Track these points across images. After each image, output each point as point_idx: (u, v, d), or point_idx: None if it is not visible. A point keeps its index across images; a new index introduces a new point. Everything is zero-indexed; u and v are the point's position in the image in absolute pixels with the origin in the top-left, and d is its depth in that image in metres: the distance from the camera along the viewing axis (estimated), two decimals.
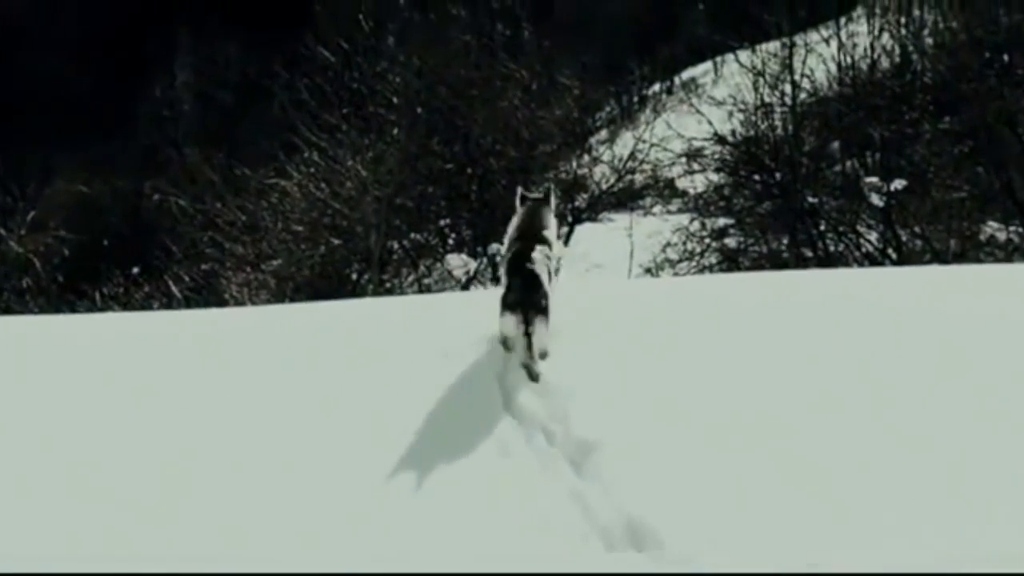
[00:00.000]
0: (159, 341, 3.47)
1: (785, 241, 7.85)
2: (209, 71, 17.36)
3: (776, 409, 2.33)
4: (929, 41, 10.69)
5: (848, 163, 8.90)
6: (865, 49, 9.73)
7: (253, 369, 2.98)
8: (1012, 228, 7.44)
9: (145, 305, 8.07)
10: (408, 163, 6.96)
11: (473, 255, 7.27)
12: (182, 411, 2.66)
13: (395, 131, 7.03)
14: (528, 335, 2.60)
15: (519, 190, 3.28)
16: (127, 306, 7.98)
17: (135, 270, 8.98)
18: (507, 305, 2.67)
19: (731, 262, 7.57)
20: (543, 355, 2.69)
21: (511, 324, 2.65)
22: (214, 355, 3.20)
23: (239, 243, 6.95)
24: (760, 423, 2.27)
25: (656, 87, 14.80)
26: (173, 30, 18.60)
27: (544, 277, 2.78)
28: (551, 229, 3.11)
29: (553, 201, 3.20)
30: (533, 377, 2.63)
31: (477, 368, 2.72)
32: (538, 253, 2.85)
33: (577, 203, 8.64)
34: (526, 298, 2.65)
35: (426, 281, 6.53)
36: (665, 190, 9.07)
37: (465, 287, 6.21)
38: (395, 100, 7.67)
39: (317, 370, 2.84)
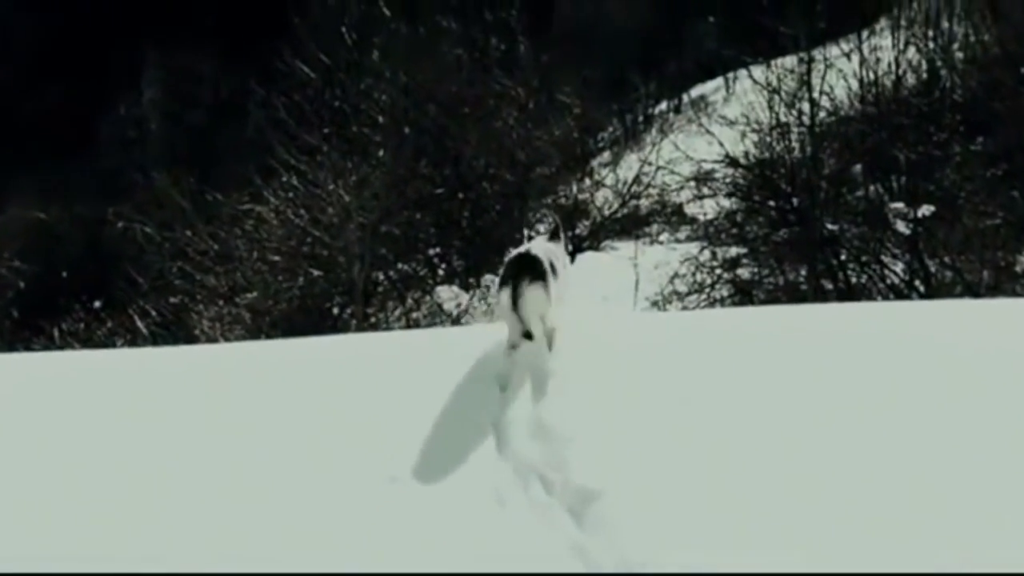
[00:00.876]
0: (123, 381, 3.46)
1: (803, 272, 7.84)
2: (179, 88, 17.41)
3: (792, 457, 2.34)
4: (959, 55, 10.74)
5: (871, 188, 8.89)
6: (889, 64, 9.76)
7: (226, 411, 2.97)
8: None
9: (108, 342, 8.01)
10: (395, 187, 6.97)
11: (465, 287, 7.27)
12: (146, 457, 2.66)
13: (380, 153, 7.06)
14: (516, 305, 2.74)
15: (526, 233, 3.38)
16: (88, 343, 7.92)
17: (97, 304, 8.94)
18: (502, 281, 2.82)
19: (744, 295, 7.53)
20: (550, 336, 2.85)
21: (504, 298, 2.78)
22: (182, 396, 3.19)
23: (211, 274, 6.93)
24: (774, 472, 2.28)
25: (663, 105, 14.90)
26: (139, 43, 18.60)
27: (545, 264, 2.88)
28: (559, 264, 3.22)
29: (563, 237, 3.31)
30: (529, 337, 2.82)
31: (470, 410, 2.73)
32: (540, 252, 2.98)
33: (578, 230, 8.67)
34: (520, 271, 2.79)
35: (414, 315, 6.50)
36: (673, 217, 9.06)
37: (456, 321, 6.21)
38: (380, 119, 7.71)
39: (295, 413, 2.84)
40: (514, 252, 3.18)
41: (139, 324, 7.34)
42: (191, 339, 5.99)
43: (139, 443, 2.75)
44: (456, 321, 6.17)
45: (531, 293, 2.76)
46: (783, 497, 2.21)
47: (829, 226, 8.40)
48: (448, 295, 6.74)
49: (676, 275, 7.13)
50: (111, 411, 3.10)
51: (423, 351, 3.52)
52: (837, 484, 2.28)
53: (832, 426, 2.52)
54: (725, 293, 7.16)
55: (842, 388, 2.69)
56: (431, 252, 7.15)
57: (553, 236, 3.14)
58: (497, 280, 2.87)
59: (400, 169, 6.98)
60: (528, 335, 2.86)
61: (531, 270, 2.81)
